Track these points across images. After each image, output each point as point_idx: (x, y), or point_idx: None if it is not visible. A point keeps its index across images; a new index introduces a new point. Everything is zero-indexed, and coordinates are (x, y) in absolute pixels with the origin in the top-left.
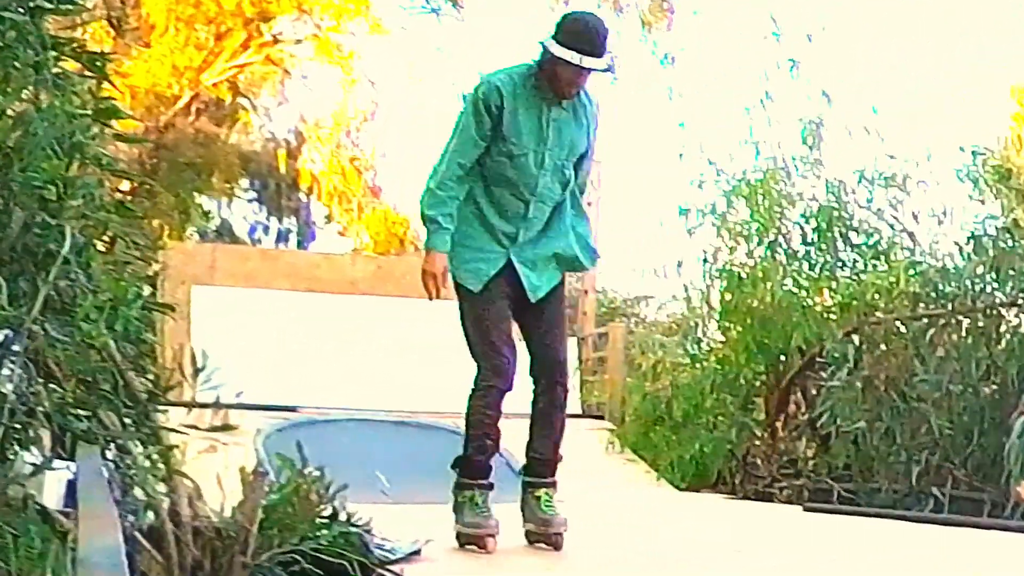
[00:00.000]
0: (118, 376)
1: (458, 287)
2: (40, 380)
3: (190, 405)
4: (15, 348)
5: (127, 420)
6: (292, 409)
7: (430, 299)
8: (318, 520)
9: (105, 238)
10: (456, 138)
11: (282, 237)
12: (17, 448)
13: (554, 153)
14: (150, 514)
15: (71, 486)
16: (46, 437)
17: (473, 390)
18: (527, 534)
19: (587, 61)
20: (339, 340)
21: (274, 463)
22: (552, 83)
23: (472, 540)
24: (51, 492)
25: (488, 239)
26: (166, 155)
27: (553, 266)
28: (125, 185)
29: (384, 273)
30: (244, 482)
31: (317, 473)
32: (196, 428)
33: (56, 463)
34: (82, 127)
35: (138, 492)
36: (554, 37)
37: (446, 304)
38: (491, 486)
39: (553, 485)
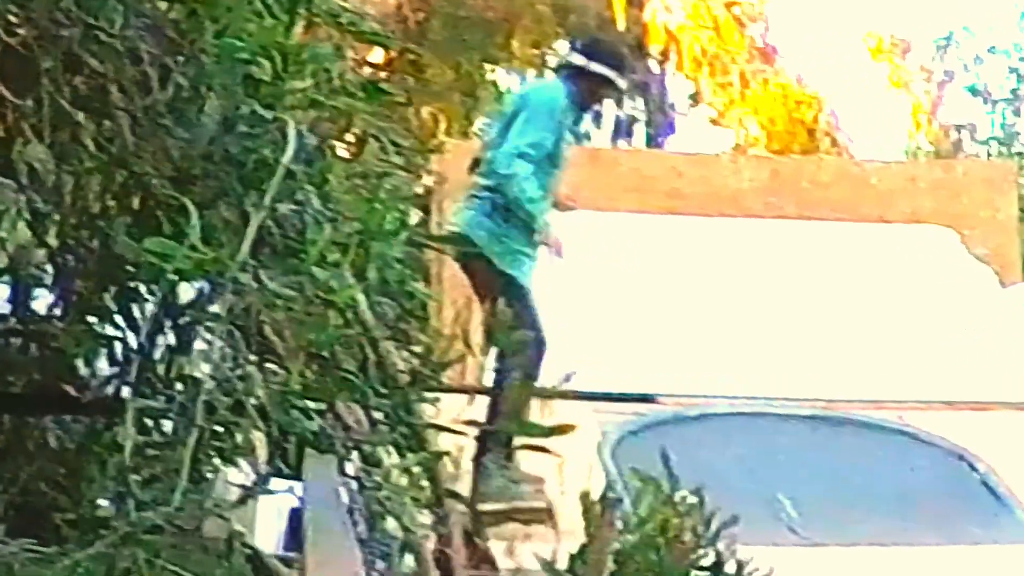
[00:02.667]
0: (369, 349)
1: (509, 280)
2: (252, 358)
3: (479, 392)
4: (214, 309)
5: (378, 415)
6: (648, 399)
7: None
8: (694, 572)
9: (349, 138)
10: (537, 132)
11: (622, 130)
12: (218, 462)
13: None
14: (408, 558)
15: (295, 518)
16: (260, 444)
17: (514, 373)
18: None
19: (623, 82)
20: (715, 289)
21: (630, 484)
22: (585, 98)
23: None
24: (267, 528)
25: (529, 240)
26: (440, 6)
27: None
28: (378, 55)
29: (783, 182)
30: (587, 514)
31: (693, 499)
32: (493, 429)
33: (274, 483)
34: None
35: (391, 524)
36: (594, 59)
37: (883, 231)
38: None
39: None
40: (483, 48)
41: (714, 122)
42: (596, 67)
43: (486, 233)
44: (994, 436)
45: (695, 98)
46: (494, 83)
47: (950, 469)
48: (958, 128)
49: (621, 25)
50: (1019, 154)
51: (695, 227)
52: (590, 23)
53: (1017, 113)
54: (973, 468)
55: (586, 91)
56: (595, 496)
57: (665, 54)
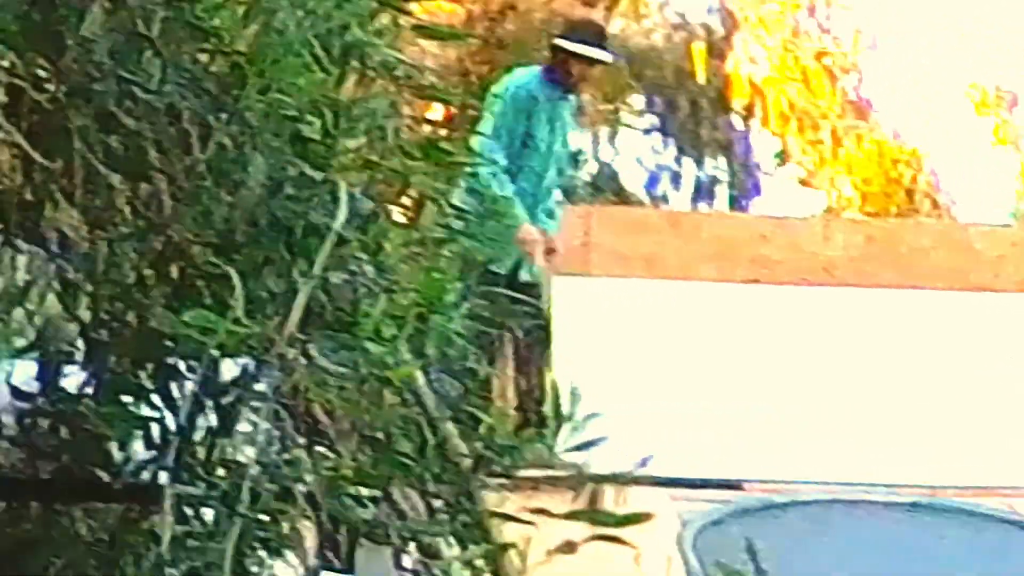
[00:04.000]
0: (428, 431)
1: None
2: (301, 440)
3: (551, 480)
4: (260, 388)
5: (439, 503)
6: (733, 485)
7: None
8: None
9: (406, 200)
10: (497, 127)
11: (703, 191)
12: (263, 554)
13: None
14: None
15: None
16: (309, 534)
17: None
18: None
19: (599, 53)
20: (805, 364)
21: None
22: (561, 75)
23: None
24: None
25: None
26: (503, 59)
27: None
28: (437, 111)
29: (880, 248)
30: None
31: None
32: (584, 518)
33: None
34: (360, 16)
35: None
36: (567, 39)
37: (990, 300)
38: None
39: None
40: None
41: (803, 183)
42: (561, 42)
43: None
44: None
45: (782, 156)
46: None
47: None
48: None
49: (701, 78)
50: None
51: (783, 297)
52: (668, 75)
53: None
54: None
55: (560, 67)
56: None
57: (750, 109)
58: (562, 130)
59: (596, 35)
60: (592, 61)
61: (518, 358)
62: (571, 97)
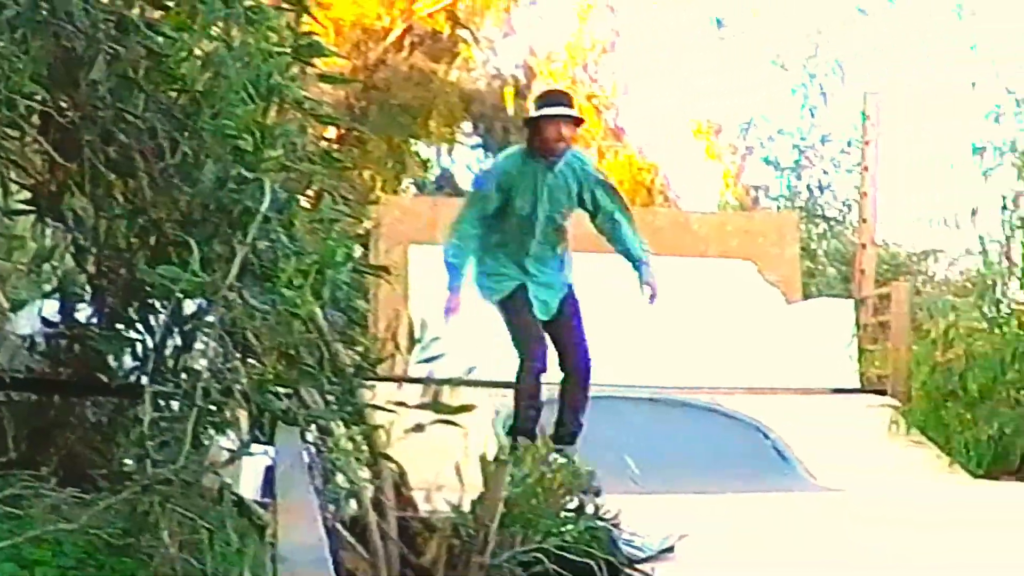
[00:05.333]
0: (323, 348)
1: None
2: (237, 355)
3: (408, 380)
4: (210, 319)
5: (330, 397)
6: None
7: None
8: (563, 514)
9: (309, 193)
10: (469, 200)
11: None
12: (212, 432)
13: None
14: (352, 503)
15: (269, 473)
16: (243, 419)
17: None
18: None
19: (562, 110)
20: (584, 305)
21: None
22: (539, 142)
23: None
24: (248, 481)
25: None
26: (377, 97)
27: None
28: (331, 132)
29: None
30: (485, 471)
31: (562, 460)
32: (429, 408)
33: (253, 448)
34: (280, 67)
35: (340, 478)
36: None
37: (702, 263)
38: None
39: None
40: (408, 127)
41: None
42: (533, 112)
43: None
44: (782, 413)
45: None
46: (416, 153)
47: (749, 437)
48: (755, 188)
49: (511, 111)
50: (800, 208)
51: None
52: (488, 109)
53: (799, 178)
54: (766, 437)
55: (536, 135)
56: (490, 458)
57: None
58: (549, 194)
59: (557, 98)
60: (559, 118)
61: None
62: (557, 164)
